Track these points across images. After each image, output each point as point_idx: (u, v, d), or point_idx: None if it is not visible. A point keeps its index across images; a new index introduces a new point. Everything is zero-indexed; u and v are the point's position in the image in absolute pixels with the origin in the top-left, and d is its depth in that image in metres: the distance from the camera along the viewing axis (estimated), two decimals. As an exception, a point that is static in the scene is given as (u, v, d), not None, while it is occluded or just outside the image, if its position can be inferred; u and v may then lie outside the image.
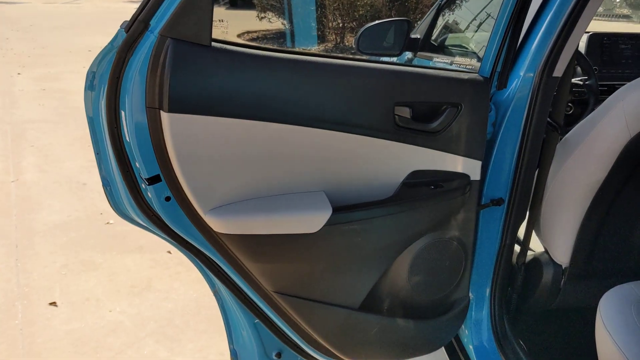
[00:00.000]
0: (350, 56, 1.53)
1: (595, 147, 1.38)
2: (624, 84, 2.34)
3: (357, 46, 2.27)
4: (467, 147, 1.33)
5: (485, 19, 2.73)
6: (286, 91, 1.13)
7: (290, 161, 1.19)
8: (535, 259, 1.63)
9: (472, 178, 1.37)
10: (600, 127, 1.36)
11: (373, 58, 2.30)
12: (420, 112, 1.29)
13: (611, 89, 2.35)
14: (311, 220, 1.20)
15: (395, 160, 1.28)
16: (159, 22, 1.04)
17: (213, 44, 1.06)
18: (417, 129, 1.28)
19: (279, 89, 1.12)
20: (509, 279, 1.62)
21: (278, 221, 1.18)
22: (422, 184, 1.32)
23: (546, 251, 1.62)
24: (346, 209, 1.23)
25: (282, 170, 1.19)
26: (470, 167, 1.36)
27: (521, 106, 1.37)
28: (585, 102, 2.21)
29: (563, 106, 1.46)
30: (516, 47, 1.36)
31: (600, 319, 1.25)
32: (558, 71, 1.35)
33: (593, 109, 2.16)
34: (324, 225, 1.20)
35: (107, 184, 1.28)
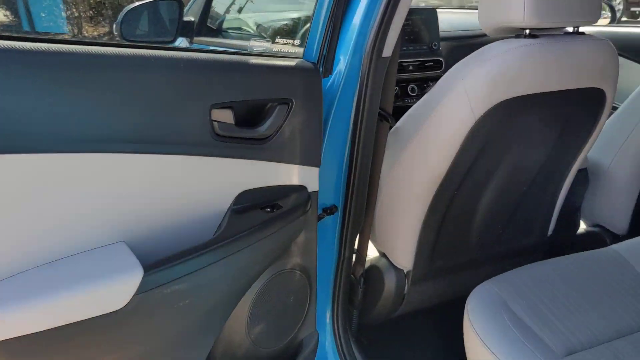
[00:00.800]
0: (148, 44, 1.09)
1: (437, 134, 1.20)
2: (412, 61, 2.31)
3: (119, 33, 1.83)
4: (302, 152, 1.06)
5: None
6: (49, 102, 0.72)
7: (65, 205, 0.78)
8: (374, 267, 1.44)
9: (310, 189, 1.11)
10: (441, 111, 1.19)
11: (174, 45, 1.91)
12: (244, 115, 0.97)
13: (400, 67, 2.30)
14: (113, 292, 0.80)
15: (218, 181, 0.96)
16: None
17: None
18: (242, 137, 0.96)
19: (38, 99, 0.71)
20: (350, 295, 1.40)
21: (59, 306, 0.76)
22: (255, 207, 1.02)
23: (384, 255, 1.43)
24: (163, 263, 0.86)
25: (55, 221, 0.78)
26: (307, 176, 1.10)
27: (349, 94, 1.15)
28: None
29: (392, 91, 1.27)
30: (341, 25, 1.12)
31: (469, 323, 1.11)
32: (387, 50, 1.15)
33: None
34: (135, 295, 0.81)
35: None
